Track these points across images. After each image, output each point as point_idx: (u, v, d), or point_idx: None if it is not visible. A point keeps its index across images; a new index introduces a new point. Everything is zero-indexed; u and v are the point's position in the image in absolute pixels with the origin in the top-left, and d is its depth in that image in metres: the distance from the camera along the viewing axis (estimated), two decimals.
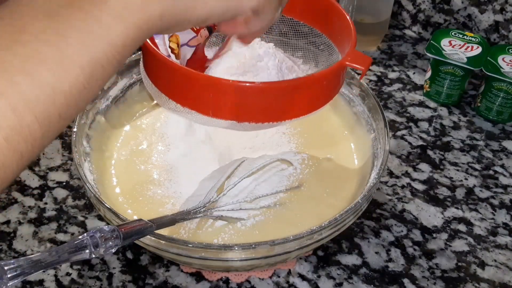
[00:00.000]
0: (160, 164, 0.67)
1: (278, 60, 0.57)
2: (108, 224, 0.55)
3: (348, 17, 0.56)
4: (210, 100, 0.50)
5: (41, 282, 0.61)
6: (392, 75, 0.88)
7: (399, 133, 0.79)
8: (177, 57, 0.55)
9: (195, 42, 0.56)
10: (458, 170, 0.74)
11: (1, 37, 0.31)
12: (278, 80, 0.56)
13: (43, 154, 0.74)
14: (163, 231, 0.53)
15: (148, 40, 0.51)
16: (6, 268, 0.37)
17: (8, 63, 0.31)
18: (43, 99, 0.31)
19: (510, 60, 0.78)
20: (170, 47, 0.55)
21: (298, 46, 0.64)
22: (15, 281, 0.37)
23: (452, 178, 0.73)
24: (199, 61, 0.57)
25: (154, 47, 0.50)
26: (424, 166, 0.74)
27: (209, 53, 0.58)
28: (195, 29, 0.56)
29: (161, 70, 0.51)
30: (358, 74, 0.89)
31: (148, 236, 0.52)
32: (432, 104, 0.83)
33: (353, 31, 0.54)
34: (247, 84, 0.49)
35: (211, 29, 0.56)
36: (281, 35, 0.64)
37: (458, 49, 0.80)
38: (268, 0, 0.44)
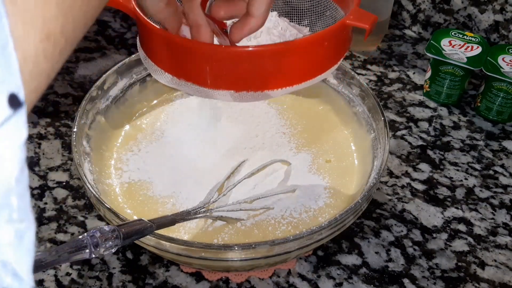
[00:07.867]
0: (160, 164, 0.67)
1: (282, 28, 0.54)
2: (108, 224, 0.55)
3: None
4: (205, 69, 0.46)
5: (41, 282, 0.61)
6: (392, 75, 0.88)
7: (399, 133, 0.79)
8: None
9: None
10: (458, 170, 0.74)
11: None
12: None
13: (43, 154, 0.74)
14: (163, 231, 0.53)
15: (138, 10, 0.48)
16: None
17: None
18: None
19: (510, 60, 0.77)
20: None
21: (303, 13, 0.60)
22: None
23: (452, 178, 0.73)
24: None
25: (144, 16, 0.47)
26: (424, 166, 0.74)
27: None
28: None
29: (152, 39, 0.48)
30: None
31: (148, 236, 0.52)
32: (432, 104, 0.83)
33: None
34: (240, 50, 0.46)
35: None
36: (286, 3, 0.60)
37: (458, 49, 0.80)
38: None
